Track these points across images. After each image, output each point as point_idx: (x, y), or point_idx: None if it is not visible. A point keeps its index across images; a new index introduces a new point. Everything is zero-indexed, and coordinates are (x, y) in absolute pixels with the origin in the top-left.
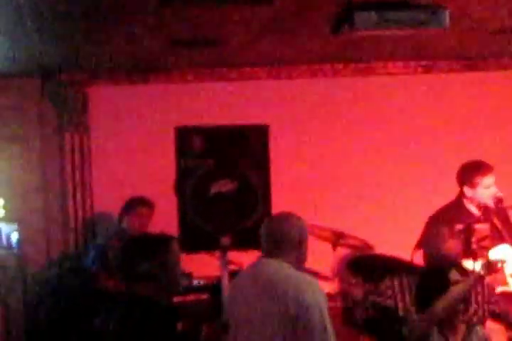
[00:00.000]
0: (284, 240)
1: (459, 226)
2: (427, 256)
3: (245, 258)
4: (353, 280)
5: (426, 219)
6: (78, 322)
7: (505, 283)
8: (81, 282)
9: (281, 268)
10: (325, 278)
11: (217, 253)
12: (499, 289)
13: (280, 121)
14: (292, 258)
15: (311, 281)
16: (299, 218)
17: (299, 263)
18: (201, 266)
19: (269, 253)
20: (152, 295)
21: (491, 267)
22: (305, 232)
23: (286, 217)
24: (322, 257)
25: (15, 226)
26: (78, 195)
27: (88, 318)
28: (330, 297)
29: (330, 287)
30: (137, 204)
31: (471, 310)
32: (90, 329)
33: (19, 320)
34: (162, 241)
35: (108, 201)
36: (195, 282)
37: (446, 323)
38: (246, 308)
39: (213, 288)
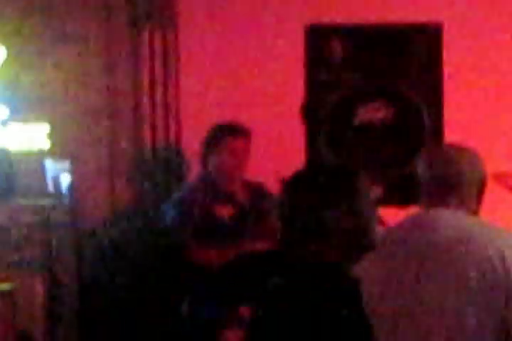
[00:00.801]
0: (465, 182)
1: None
2: None
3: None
4: None
5: None
6: (157, 306)
7: None
8: (161, 248)
9: (474, 223)
10: None
11: None
12: None
13: (461, 19)
14: (474, 209)
15: None
16: (475, 151)
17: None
18: None
19: (441, 203)
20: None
21: None
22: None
23: (459, 149)
24: None
25: (66, 164)
26: (158, 121)
27: (172, 302)
28: None
29: None
30: (226, 134)
31: None
32: (174, 318)
33: (72, 296)
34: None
35: (202, 131)
36: None
37: None
38: (410, 295)
39: None
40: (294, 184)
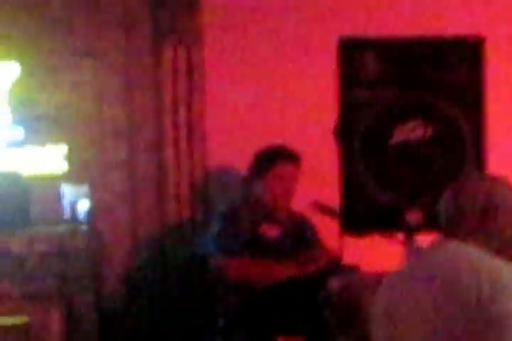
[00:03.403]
0: (462, 211)
1: None
2: None
3: None
4: None
5: None
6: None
7: None
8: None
9: (465, 253)
10: None
11: (400, 237)
12: None
13: (504, 31)
14: (479, 238)
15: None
16: (496, 180)
17: (500, 246)
18: (373, 256)
19: (448, 233)
20: None
21: None
22: (500, 198)
23: (475, 177)
24: None
25: (84, 189)
26: (182, 143)
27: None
28: None
29: None
30: (276, 159)
31: None
32: None
33: (90, 331)
34: None
35: (230, 154)
36: None
37: None
38: (413, 321)
39: None
40: None
